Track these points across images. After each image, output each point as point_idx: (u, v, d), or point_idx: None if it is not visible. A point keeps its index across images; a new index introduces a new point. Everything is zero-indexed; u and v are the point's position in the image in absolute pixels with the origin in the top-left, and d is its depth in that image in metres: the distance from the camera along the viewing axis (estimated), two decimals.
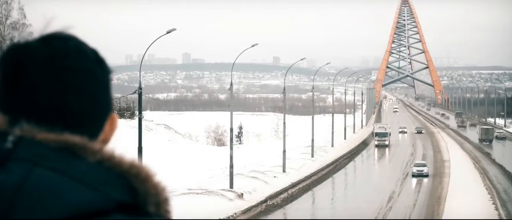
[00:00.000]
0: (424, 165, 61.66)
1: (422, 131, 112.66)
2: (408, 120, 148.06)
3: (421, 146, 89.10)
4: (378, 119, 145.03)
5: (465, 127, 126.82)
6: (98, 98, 1.58)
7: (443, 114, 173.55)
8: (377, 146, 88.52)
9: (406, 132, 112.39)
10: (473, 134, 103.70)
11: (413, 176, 59.56)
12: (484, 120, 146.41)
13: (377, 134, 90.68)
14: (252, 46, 57.17)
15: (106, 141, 1.60)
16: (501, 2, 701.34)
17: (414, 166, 61.97)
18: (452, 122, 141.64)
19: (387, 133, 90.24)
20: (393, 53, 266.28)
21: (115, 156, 1.47)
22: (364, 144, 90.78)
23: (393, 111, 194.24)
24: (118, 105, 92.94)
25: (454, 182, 55.04)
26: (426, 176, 59.27)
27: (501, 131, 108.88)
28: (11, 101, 1.53)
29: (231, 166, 48.81)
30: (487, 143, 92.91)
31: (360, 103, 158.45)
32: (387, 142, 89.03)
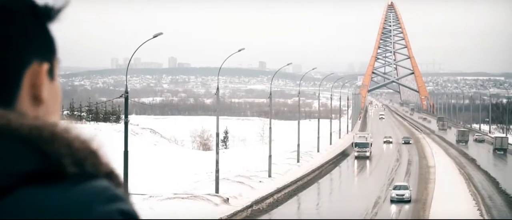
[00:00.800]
0: (405, 188, 50.92)
1: (410, 142, 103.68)
2: (394, 127, 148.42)
3: (407, 153, 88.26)
4: (364, 125, 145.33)
5: (445, 130, 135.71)
6: (2, 46, 1.31)
7: (425, 118, 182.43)
8: (357, 158, 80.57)
9: (391, 142, 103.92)
10: (452, 136, 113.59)
11: (392, 201, 49.65)
12: (469, 126, 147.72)
13: (357, 145, 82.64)
14: (239, 50, 57.25)
15: (38, 98, 1.35)
16: (486, 8, 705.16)
17: (393, 189, 51.19)
18: (434, 125, 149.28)
19: (368, 143, 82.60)
20: (379, 58, 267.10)
21: (12, 119, 1.22)
22: (348, 151, 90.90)
23: (379, 118, 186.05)
24: (104, 109, 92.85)
25: (439, 188, 55.18)
26: (408, 201, 49.45)
27: (479, 134, 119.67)
28: None
29: (217, 171, 48.84)
30: (463, 143, 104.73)
31: (346, 108, 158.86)
32: (368, 153, 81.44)
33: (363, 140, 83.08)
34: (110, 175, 1.23)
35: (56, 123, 1.23)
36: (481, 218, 43.52)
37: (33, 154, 1.17)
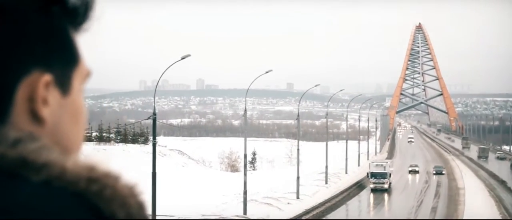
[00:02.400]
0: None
1: (443, 172, 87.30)
2: (422, 148, 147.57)
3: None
4: (392, 147, 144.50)
5: (469, 148, 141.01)
6: None
7: (449, 138, 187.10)
8: (373, 190, 69.71)
9: (418, 172, 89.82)
10: (475, 153, 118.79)
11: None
12: (499, 147, 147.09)
13: (373, 175, 70.95)
14: (266, 72, 57.28)
15: (35, 116, 1.14)
16: None
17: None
18: (458, 144, 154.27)
19: (386, 173, 71.26)
20: (407, 80, 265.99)
21: (68, 167, 1.08)
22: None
23: (408, 141, 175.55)
24: (132, 130, 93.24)
25: (469, 210, 54.78)
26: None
27: (501, 152, 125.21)
28: None
29: (245, 192, 48.78)
30: (484, 159, 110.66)
31: (374, 130, 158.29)
32: (386, 185, 70.65)
33: (380, 169, 71.76)
34: None
35: (108, 172, 1.11)
36: None
37: (87, 210, 1.06)
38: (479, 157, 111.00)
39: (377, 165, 72.93)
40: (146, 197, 1.15)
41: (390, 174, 72.16)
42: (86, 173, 1.09)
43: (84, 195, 1.06)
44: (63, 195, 1.05)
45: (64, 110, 1.18)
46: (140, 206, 1.12)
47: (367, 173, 73.14)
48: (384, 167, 72.06)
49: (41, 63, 1.14)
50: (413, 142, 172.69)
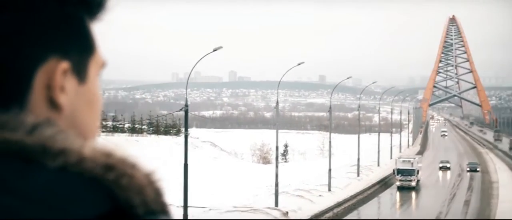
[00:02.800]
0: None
1: (477, 169, 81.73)
2: (455, 141, 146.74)
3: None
4: (425, 140, 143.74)
5: (501, 140, 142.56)
6: (5, 39, 1.11)
7: (481, 130, 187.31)
8: (399, 188, 65.57)
9: (449, 168, 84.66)
10: (506, 145, 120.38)
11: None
12: None
13: (399, 171, 67.04)
14: (298, 64, 57.23)
15: (53, 103, 1.15)
16: None
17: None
18: (490, 137, 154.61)
19: (413, 170, 66.98)
20: (440, 72, 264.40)
21: (84, 153, 1.09)
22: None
23: (441, 135, 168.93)
24: (165, 122, 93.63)
25: (502, 203, 54.46)
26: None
27: None
28: None
29: (276, 184, 48.80)
30: None
31: (407, 122, 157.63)
32: (413, 183, 66.15)
33: (407, 166, 67.80)
34: (165, 210, 1.13)
35: (124, 159, 1.12)
36: None
37: (104, 197, 1.06)
38: (510, 148, 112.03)
39: (404, 161, 69.30)
40: (163, 185, 1.14)
41: (418, 171, 67.79)
42: (103, 159, 1.09)
43: (101, 181, 1.07)
44: (80, 181, 1.06)
45: (81, 98, 1.19)
46: (157, 193, 1.12)
47: (393, 170, 69.28)
48: (412, 163, 68.13)
49: (58, 51, 1.15)
50: (446, 136, 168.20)
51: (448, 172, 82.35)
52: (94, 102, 1.22)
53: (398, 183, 66.21)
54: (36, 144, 1.08)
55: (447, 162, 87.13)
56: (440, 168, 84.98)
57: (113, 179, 1.07)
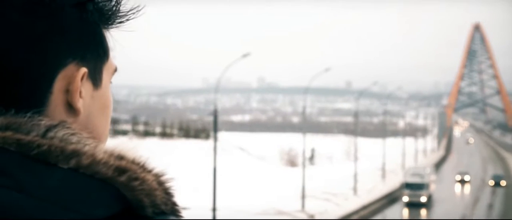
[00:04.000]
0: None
1: (501, 183, 72.67)
2: (479, 146, 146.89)
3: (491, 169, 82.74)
4: (449, 145, 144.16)
5: None
6: (30, 43, 1.14)
7: (502, 133, 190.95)
8: (408, 205, 58.02)
9: (468, 181, 74.82)
10: None
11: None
12: None
13: (408, 186, 58.89)
14: (325, 70, 58.52)
15: (72, 107, 1.19)
16: None
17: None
18: (509, 139, 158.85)
19: (424, 184, 58.71)
20: (464, 78, 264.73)
21: (97, 156, 1.10)
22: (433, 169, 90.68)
23: (467, 143, 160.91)
24: (194, 126, 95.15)
25: None
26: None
27: None
28: None
29: (303, 188, 49.86)
30: None
31: (431, 127, 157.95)
32: (424, 198, 58.14)
33: (417, 179, 59.24)
34: (175, 210, 1.15)
35: (136, 161, 1.14)
36: None
37: (115, 198, 1.08)
38: None
39: (413, 174, 60.56)
40: (174, 185, 1.15)
41: (429, 185, 60.35)
42: (116, 162, 1.11)
43: (112, 183, 1.09)
44: (92, 182, 1.08)
45: (95, 103, 1.22)
46: (168, 194, 1.14)
47: (402, 184, 61.44)
48: (423, 176, 59.74)
49: (77, 56, 1.18)
50: (472, 143, 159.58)
51: (467, 185, 73.74)
52: (106, 107, 1.25)
53: (405, 199, 58.33)
54: (49, 145, 1.10)
55: (466, 173, 76.68)
56: (458, 181, 75.13)
57: (124, 181, 1.09)
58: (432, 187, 62.18)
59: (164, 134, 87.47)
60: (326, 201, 54.53)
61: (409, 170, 62.86)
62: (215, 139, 41.69)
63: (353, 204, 54.70)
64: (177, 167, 57.79)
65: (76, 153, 1.10)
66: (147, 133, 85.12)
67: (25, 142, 1.09)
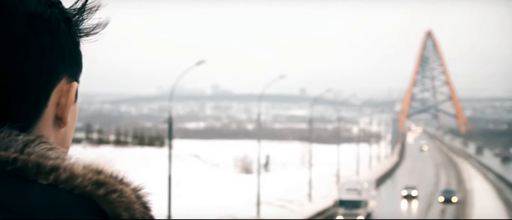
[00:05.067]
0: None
1: (453, 199, 64.57)
2: (432, 152, 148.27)
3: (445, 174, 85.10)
4: (402, 151, 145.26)
5: (467, 146, 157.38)
6: (31, 57, 1.17)
7: (452, 139, 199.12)
8: None
9: (415, 197, 67.67)
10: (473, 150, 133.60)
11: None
12: (508, 151, 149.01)
13: (342, 203, 52.55)
14: (279, 77, 58.72)
15: (62, 120, 1.24)
16: None
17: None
18: (458, 143, 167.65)
19: (361, 201, 52.15)
20: (417, 84, 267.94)
21: (75, 171, 1.11)
22: (387, 175, 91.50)
23: (421, 150, 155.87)
24: (149, 134, 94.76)
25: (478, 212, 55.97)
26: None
27: (497, 150, 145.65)
28: None
29: (258, 194, 49.86)
30: (480, 154, 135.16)
31: (385, 133, 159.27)
32: (361, 216, 51.92)
33: (353, 196, 52.68)
34: None
35: (114, 175, 1.15)
36: None
37: (94, 212, 1.09)
38: (476, 153, 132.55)
39: (349, 189, 53.51)
40: (152, 199, 1.18)
41: (368, 202, 53.43)
42: (94, 176, 1.12)
43: (90, 198, 1.09)
44: (70, 197, 1.08)
45: (72, 116, 1.26)
46: (145, 207, 1.16)
47: (335, 201, 54.53)
48: (360, 192, 53.10)
49: (67, 70, 1.22)
50: (425, 151, 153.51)
51: (414, 200, 67.51)
52: (76, 119, 1.29)
53: (339, 218, 52.34)
54: (28, 161, 1.10)
55: (413, 188, 69.22)
56: (404, 196, 68.36)
57: (103, 195, 1.10)
58: (372, 205, 55.15)
59: (118, 142, 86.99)
60: (281, 207, 54.63)
61: (343, 185, 54.97)
62: (170, 146, 41.56)
63: (308, 210, 54.86)
64: (132, 175, 57.29)
65: (55, 169, 1.10)
66: (101, 141, 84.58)
67: (4, 159, 1.09)
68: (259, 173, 52.69)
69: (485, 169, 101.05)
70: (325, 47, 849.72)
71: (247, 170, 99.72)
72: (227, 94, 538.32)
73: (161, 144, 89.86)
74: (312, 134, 74.22)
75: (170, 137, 42.66)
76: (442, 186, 77.28)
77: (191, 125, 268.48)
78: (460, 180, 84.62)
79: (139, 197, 1.16)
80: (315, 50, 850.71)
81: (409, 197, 67.26)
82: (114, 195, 1.11)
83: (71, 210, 1.07)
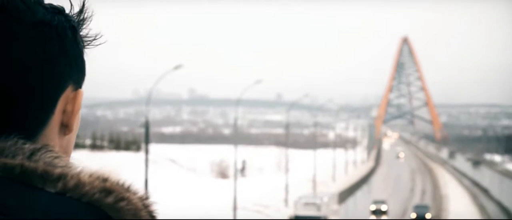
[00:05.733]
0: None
1: (426, 215, 57.59)
2: (408, 158, 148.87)
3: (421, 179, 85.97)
4: (378, 157, 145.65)
5: (440, 150, 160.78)
6: (40, 65, 1.18)
7: (426, 144, 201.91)
8: None
9: (384, 212, 61.46)
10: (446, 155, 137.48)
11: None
12: (482, 156, 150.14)
13: None
14: (256, 82, 58.81)
15: (68, 127, 1.25)
16: (497, 42, 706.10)
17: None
18: (432, 148, 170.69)
19: (319, 217, 46.90)
20: (393, 90, 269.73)
21: (82, 179, 1.12)
22: (363, 180, 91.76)
23: (397, 157, 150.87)
24: (125, 138, 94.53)
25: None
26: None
27: (470, 156, 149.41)
28: None
29: (235, 199, 49.94)
30: (452, 158, 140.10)
31: (361, 138, 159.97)
32: None
33: (311, 211, 47.40)
34: None
35: (120, 183, 1.16)
36: None
37: (100, 218, 1.10)
38: (449, 157, 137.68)
39: (306, 204, 48.20)
40: (157, 207, 1.21)
41: (327, 218, 47.77)
42: (101, 184, 1.13)
43: (98, 206, 1.11)
44: (78, 205, 1.09)
45: (77, 123, 1.28)
46: (151, 215, 1.18)
47: (290, 217, 48.98)
48: (319, 207, 47.68)
49: (73, 78, 1.24)
50: (402, 158, 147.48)
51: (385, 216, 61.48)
52: (78, 126, 1.29)
53: None
54: (36, 169, 1.10)
55: (382, 202, 62.94)
56: (372, 212, 61.99)
57: (111, 201, 1.11)
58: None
59: (94, 146, 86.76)
60: (257, 212, 54.73)
61: (300, 199, 49.37)
62: (147, 151, 41.50)
63: (284, 215, 54.93)
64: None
65: (63, 176, 1.11)
66: (77, 145, 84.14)
67: (12, 166, 1.09)
68: (235, 177, 52.73)
69: (459, 175, 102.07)
70: (302, 52, 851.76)
71: (223, 175, 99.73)
72: (204, 99, 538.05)
73: (138, 149, 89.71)
74: (289, 139, 74.38)
75: (147, 141, 42.59)
76: (417, 192, 77.62)
77: (168, 130, 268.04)
78: (435, 186, 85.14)
79: (145, 206, 1.17)
80: (292, 55, 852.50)
81: (377, 213, 61.27)
82: (122, 203, 1.12)
83: (79, 218, 1.08)
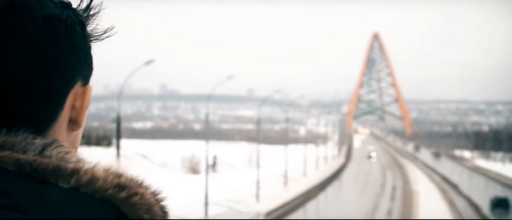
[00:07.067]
0: None
1: None
2: (378, 155, 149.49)
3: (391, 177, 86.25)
4: (349, 152, 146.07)
5: (420, 151, 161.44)
6: (50, 60, 1.17)
7: (395, 139, 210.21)
8: None
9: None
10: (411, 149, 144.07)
11: None
12: (451, 152, 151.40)
13: None
14: (228, 78, 58.74)
15: (77, 122, 1.25)
16: (468, 39, 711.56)
17: None
18: (399, 142, 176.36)
19: None
20: (364, 86, 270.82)
21: (96, 174, 1.11)
22: (334, 176, 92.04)
23: (369, 157, 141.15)
24: (96, 133, 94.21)
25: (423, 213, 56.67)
26: None
27: (434, 150, 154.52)
28: None
29: (206, 195, 50.00)
30: (418, 151, 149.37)
31: (332, 134, 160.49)
32: None
33: None
34: None
35: (133, 179, 1.16)
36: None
37: (116, 215, 1.09)
38: (414, 150, 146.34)
39: None
40: (168, 203, 1.20)
41: None
42: (114, 179, 1.12)
43: (112, 201, 1.10)
44: (91, 201, 1.08)
45: (85, 118, 1.27)
46: (164, 212, 1.18)
47: None
48: None
49: (82, 73, 1.23)
50: (374, 158, 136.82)
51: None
52: (85, 122, 1.28)
53: None
54: (48, 164, 1.09)
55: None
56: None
57: (125, 198, 1.10)
58: None
59: None
60: (229, 208, 54.64)
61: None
62: (118, 146, 41.32)
63: (255, 211, 54.89)
64: None
65: (76, 171, 1.10)
66: None
67: (23, 162, 1.08)
68: (206, 173, 52.78)
69: (429, 171, 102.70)
70: (273, 48, 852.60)
71: (194, 170, 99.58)
72: (175, 94, 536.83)
73: (109, 144, 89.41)
74: (260, 135, 74.43)
75: (118, 136, 42.42)
76: (388, 187, 78.03)
77: (138, 125, 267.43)
78: (405, 182, 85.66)
79: (158, 201, 1.17)
80: (264, 51, 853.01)
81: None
82: (136, 198, 1.12)
83: (93, 213, 1.07)
